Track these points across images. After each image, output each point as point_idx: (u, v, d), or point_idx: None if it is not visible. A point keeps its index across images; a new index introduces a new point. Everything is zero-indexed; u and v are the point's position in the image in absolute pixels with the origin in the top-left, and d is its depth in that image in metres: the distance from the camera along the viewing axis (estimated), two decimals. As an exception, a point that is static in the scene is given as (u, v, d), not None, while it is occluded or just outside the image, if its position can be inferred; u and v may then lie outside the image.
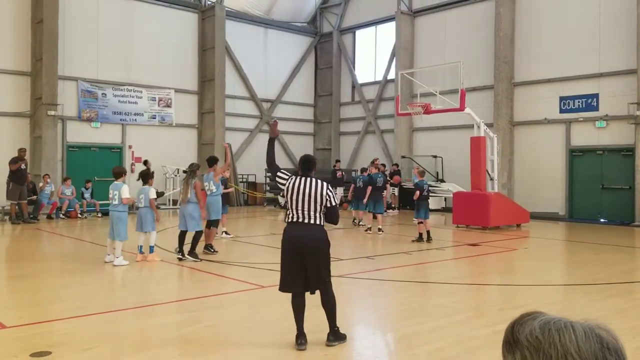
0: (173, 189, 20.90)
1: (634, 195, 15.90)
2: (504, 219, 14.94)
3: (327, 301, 5.15)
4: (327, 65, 26.07)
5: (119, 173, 9.85)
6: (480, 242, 12.33)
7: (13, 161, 15.76)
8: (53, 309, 6.63)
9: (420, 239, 12.13)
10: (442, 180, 20.05)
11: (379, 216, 13.67)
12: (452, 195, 16.00)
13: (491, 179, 15.27)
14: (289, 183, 5.17)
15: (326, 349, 5.08)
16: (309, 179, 5.15)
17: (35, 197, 16.87)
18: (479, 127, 14.99)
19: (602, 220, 16.82)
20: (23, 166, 16.14)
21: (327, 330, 5.19)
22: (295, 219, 5.09)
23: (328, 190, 5.12)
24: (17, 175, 15.73)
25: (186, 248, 9.67)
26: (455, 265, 10.30)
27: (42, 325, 5.80)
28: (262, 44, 24.79)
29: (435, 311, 6.58)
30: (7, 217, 15.96)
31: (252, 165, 23.58)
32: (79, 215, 17.31)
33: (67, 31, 18.95)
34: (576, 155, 17.60)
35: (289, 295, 5.25)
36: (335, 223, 5.34)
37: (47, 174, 17.46)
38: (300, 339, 5.04)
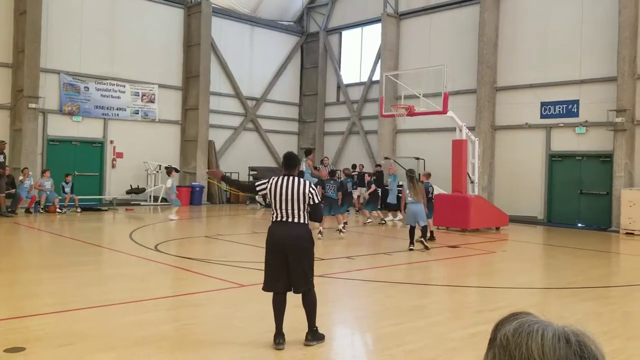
0: (154, 185, 20.76)
1: (611, 201, 16.17)
2: (484, 222, 15.10)
3: (309, 301, 5.18)
4: (313, 64, 26.08)
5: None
6: (459, 244, 12.44)
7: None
8: (28, 304, 6.56)
9: (431, 237, 12.38)
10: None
11: (340, 216, 13.52)
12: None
13: (472, 182, 15.42)
14: (271, 184, 5.19)
15: (304, 348, 5.10)
16: (291, 178, 5.17)
17: (13, 190, 16.64)
18: (461, 130, 15.12)
19: (579, 225, 17.08)
20: (1, 159, 15.91)
21: (306, 330, 5.21)
22: (279, 218, 5.12)
23: (310, 189, 5.16)
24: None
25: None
26: (435, 266, 10.38)
27: (17, 321, 5.73)
28: (248, 42, 24.72)
29: (413, 312, 6.64)
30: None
31: (235, 163, 23.52)
32: (58, 210, 17.09)
33: (51, 23, 18.72)
34: (556, 161, 17.85)
35: (269, 295, 5.26)
36: (319, 221, 5.45)
37: (26, 168, 17.24)
38: (279, 339, 5.05)
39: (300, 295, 5.22)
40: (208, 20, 22.19)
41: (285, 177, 5.18)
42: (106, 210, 18.38)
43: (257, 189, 5.35)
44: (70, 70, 19.51)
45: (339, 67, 25.47)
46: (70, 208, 17.67)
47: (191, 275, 8.52)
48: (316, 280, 8.15)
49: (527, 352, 1.01)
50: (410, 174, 11.44)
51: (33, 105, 18.00)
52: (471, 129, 16.86)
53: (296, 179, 5.18)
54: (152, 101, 21.52)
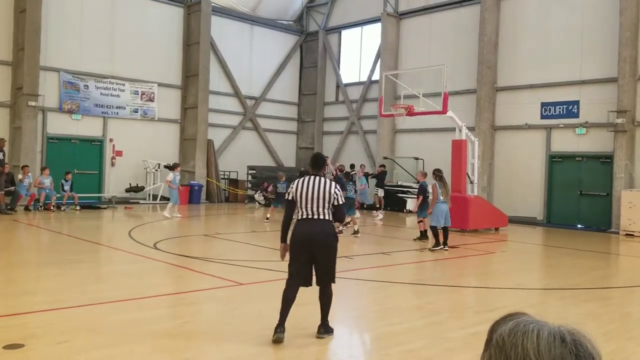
0: (153, 183, 20.75)
1: (611, 202, 16.17)
2: (483, 222, 15.09)
3: (327, 295, 5.36)
4: (312, 64, 26.06)
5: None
6: (458, 245, 12.42)
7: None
8: (27, 301, 6.55)
9: (423, 236, 12.46)
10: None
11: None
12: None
13: (471, 182, 15.41)
14: (297, 184, 5.39)
15: (302, 346, 5.10)
16: (317, 177, 5.37)
17: (13, 188, 16.62)
18: (460, 130, 15.11)
19: (579, 226, 17.08)
20: (1, 156, 15.88)
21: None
22: (305, 216, 5.30)
23: (336, 189, 5.34)
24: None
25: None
26: (433, 266, 10.37)
27: (16, 318, 5.72)
28: (247, 41, 24.70)
29: (411, 312, 6.63)
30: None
31: (234, 162, 23.52)
32: (53, 207, 17.03)
33: (50, 21, 18.69)
34: (555, 161, 17.85)
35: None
36: (342, 221, 5.59)
37: (26, 165, 17.22)
38: (280, 328, 5.14)
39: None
40: (207, 19, 22.17)
41: (312, 177, 5.38)
42: (105, 208, 18.36)
43: (289, 198, 5.45)
44: (70, 68, 19.48)
45: (339, 67, 25.46)
46: (70, 206, 17.65)
47: (190, 273, 8.51)
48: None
49: (522, 351, 1.01)
50: (438, 173, 11.64)
51: (33, 103, 17.97)
52: (471, 129, 16.86)
53: (322, 179, 5.38)
54: (151, 100, 21.51)
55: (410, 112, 15.03)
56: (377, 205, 19.60)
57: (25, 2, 17.82)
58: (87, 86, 19.88)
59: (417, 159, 20.84)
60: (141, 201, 20.55)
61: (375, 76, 23.14)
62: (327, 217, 5.29)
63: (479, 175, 16.32)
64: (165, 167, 21.05)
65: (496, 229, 15.51)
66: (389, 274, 9.19)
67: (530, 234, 15.60)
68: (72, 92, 19.59)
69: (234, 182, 23.46)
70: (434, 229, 11.37)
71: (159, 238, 11.76)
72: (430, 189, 11.69)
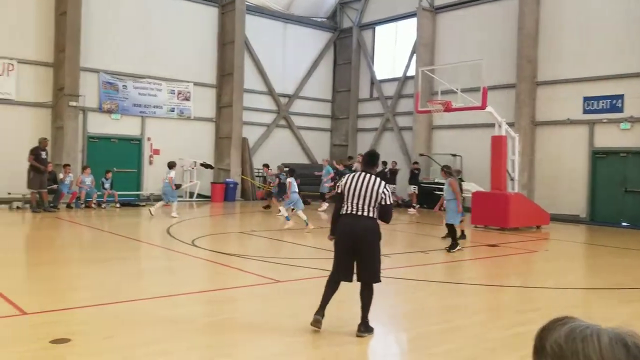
0: (190, 181, 21.04)
1: (657, 199, 15.60)
2: (524, 220, 14.74)
3: (368, 293, 5.33)
4: (346, 61, 25.96)
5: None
6: (498, 243, 12.18)
7: (33, 151, 15.95)
8: (72, 297, 6.70)
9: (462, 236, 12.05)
10: (461, 180, 19.82)
11: None
12: (471, 194, 15.85)
13: (511, 179, 15.09)
14: (347, 179, 5.41)
15: (342, 344, 5.06)
16: (367, 175, 5.37)
17: (55, 186, 17.07)
18: (500, 126, 14.80)
19: (624, 224, 16.53)
20: (44, 156, 16.33)
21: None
22: (349, 211, 5.29)
23: (385, 189, 5.31)
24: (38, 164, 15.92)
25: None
26: (473, 265, 10.19)
27: (62, 313, 5.84)
28: (281, 39, 24.77)
29: (451, 311, 6.51)
30: (28, 206, 16.16)
31: (268, 159, 23.56)
32: (93, 205, 17.43)
33: (90, 23, 19.12)
34: (599, 157, 17.30)
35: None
36: (387, 222, 5.50)
37: (68, 164, 17.67)
38: (320, 312, 5.20)
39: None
40: (242, 18, 22.31)
41: (362, 174, 5.38)
42: (144, 205, 18.69)
43: (337, 192, 5.49)
44: (109, 69, 19.90)
45: (373, 63, 25.28)
46: (110, 203, 18.04)
47: (228, 270, 8.57)
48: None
49: (585, 359, 0.96)
50: (450, 170, 11.43)
51: (73, 104, 18.43)
52: (510, 124, 16.48)
53: (373, 177, 5.36)
54: (187, 99, 21.80)
55: (447, 108, 14.79)
56: (413, 203, 19.47)
57: (66, 5, 18.26)
58: (126, 86, 20.27)
59: (454, 155, 20.52)
60: (178, 199, 20.82)
61: (411, 72, 22.89)
62: (371, 215, 5.26)
63: (519, 172, 15.95)
64: (202, 165, 21.35)
65: (537, 227, 15.14)
66: (427, 272, 9.06)
67: (573, 232, 15.19)
68: (111, 93, 20.01)
69: (266, 180, 23.53)
70: (453, 228, 10.92)
71: (196, 235, 11.90)
72: (449, 186, 11.06)
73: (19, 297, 6.29)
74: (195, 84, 21.97)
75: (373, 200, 5.24)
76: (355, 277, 5.39)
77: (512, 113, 18.48)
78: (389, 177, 19.83)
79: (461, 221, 12.07)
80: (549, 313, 6.08)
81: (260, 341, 5.08)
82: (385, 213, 5.36)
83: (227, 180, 21.76)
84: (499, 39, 19.71)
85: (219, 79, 22.64)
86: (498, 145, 14.75)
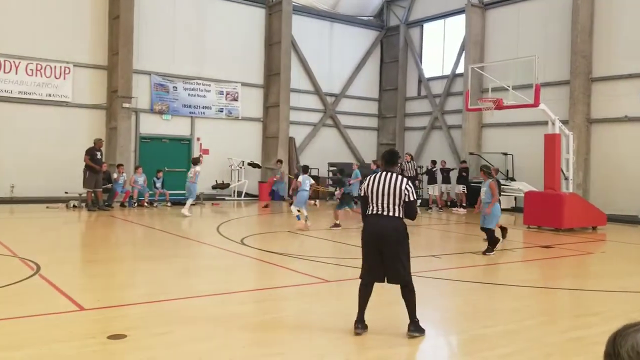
0: (238, 180, 21.34)
1: None
2: (579, 221, 14.26)
3: (408, 293, 5.25)
4: (393, 59, 25.75)
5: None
6: (553, 244, 11.81)
7: (89, 151, 16.50)
8: (127, 293, 6.88)
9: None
10: (513, 179, 19.40)
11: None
12: (523, 194, 15.44)
13: (566, 179, 14.62)
14: (369, 180, 5.35)
15: (394, 346, 5.00)
16: (389, 173, 5.30)
17: (110, 185, 17.63)
18: (553, 124, 14.36)
19: (686, 225, 15.75)
20: (99, 155, 16.90)
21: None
22: (375, 211, 5.24)
23: (407, 185, 5.23)
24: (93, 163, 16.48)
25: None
26: (526, 267, 9.91)
27: (118, 309, 6.02)
28: (327, 38, 24.80)
29: (505, 314, 6.34)
30: (83, 204, 16.75)
31: (315, 159, 23.67)
32: (146, 204, 17.92)
33: (142, 26, 19.65)
34: (659, 155, 16.56)
35: (354, 290, 5.26)
36: (413, 218, 5.39)
37: (121, 164, 18.22)
38: (359, 324, 5.14)
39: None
40: (288, 19, 22.46)
41: (384, 173, 5.32)
42: (194, 204, 19.04)
43: (361, 194, 5.44)
44: (160, 71, 20.41)
45: (420, 61, 24.98)
46: (161, 202, 18.49)
47: (277, 269, 8.62)
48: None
49: None
50: (489, 170, 10.73)
51: (127, 105, 18.99)
52: (564, 122, 15.96)
53: (394, 175, 5.29)
54: (235, 99, 22.11)
55: (499, 106, 14.46)
56: (462, 203, 19.15)
57: (119, 9, 18.84)
58: (176, 87, 20.74)
59: (505, 154, 20.05)
60: (227, 197, 21.19)
61: (460, 69, 22.52)
62: (397, 214, 5.19)
63: (573, 171, 15.43)
64: (249, 164, 21.62)
65: (594, 228, 14.61)
66: (479, 274, 8.87)
67: (632, 233, 14.56)
68: (162, 94, 20.52)
69: (315, 179, 23.50)
70: (491, 232, 10.21)
71: (245, 234, 12.04)
72: (489, 189, 10.33)
73: (77, 293, 6.51)
74: (243, 84, 22.26)
75: (397, 199, 5.17)
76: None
77: (566, 110, 17.91)
78: (444, 176, 19.65)
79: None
80: (608, 318, 5.81)
81: (310, 341, 5.07)
82: (409, 210, 5.27)
83: (275, 179, 21.94)
84: (552, 35, 19.12)
85: (266, 79, 22.86)
86: (552, 143, 14.32)
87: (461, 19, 22.27)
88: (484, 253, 10.05)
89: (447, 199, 20.45)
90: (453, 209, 19.36)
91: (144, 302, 6.27)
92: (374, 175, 5.36)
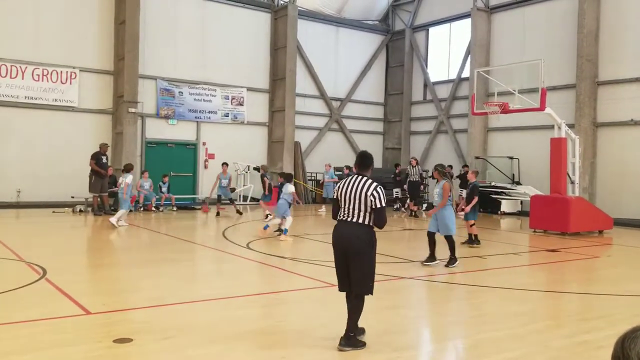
0: (243, 185, 21.37)
1: None
2: (585, 225, 14.20)
3: (356, 305, 5.00)
4: (399, 63, 25.78)
5: (130, 167, 14.03)
6: (559, 248, 11.77)
7: (94, 156, 16.56)
8: (133, 297, 6.90)
9: (473, 241, 11.52)
10: (518, 183, 19.34)
11: None
12: (529, 198, 15.39)
13: (572, 183, 14.57)
14: (341, 183, 5.20)
15: (398, 350, 4.98)
16: (359, 177, 5.09)
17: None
18: (559, 127, 14.33)
19: (694, 229, 15.65)
20: (104, 160, 16.97)
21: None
22: (342, 217, 5.07)
23: (374, 191, 4.95)
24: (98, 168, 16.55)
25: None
26: (532, 271, 9.88)
27: (123, 313, 6.03)
28: (333, 43, 24.86)
29: (511, 318, 6.31)
30: (89, 209, 16.81)
31: (320, 163, 23.64)
32: (154, 209, 18.00)
33: (148, 32, 19.76)
34: (666, 159, 16.47)
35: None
36: (380, 227, 5.04)
37: (146, 170, 18.28)
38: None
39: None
40: (294, 23, 22.53)
41: (355, 177, 5.13)
42: (200, 208, 19.11)
43: (334, 197, 5.28)
44: (166, 76, 20.50)
45: (426, 65, 24.98)
46: (167, 207, 18.54)
47: (283, 273, 8.63)
48: (407, 283, 8.05)
49: None
50: (444, 169, 9.86)
51: (133, 110, 19.07)
52: (570, 126, 15.92)
53: (364, 179, 5.06)
54: (240, 104, 22.17)
55: (505, 110, 14.44)
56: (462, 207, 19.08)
57: (125, 14, 18.94)
58: (182, 92, 20.83)
59: (511, 158, 20.01)
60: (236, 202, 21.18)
61: (465, 73, 22.51)
62: (362, 220, 4.94)
63: (579, 175, 15.38)
64: (255, 169, 21.64)
65: (600, 232, 14.54)
66: (484, 278, 8.83)
67: (638, 237, 14.47)
68: (168, 99, 20.60)
69: (321, 184, 23.62)
70: (451, 239, 9.40)
71: (251, 238, 12.06)
72: (441, 189, 9.50)
73: (83, 297, 6.53)
74: (249, 89, 22.32)
75: (362, 205, 4.92)
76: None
77: (572, 114, 17.86)
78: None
79: (472, 225, 11.51)
80: (615, 321, 5.78)
81: (316, 345, 5.06)
82: (377, 217, 4.97)
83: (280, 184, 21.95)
84: (558, 38, 19.09)
85: (272, 83, 22.92)
86: (558, 147, 14.28)
87: (467, 23, 22.28)
88: (446, 265, 9.21)
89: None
90: (458, 213, 19.29)
91: (149, 306, 6.29)
92: (346, 178, 5.17)
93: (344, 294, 5.15)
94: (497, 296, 7.53)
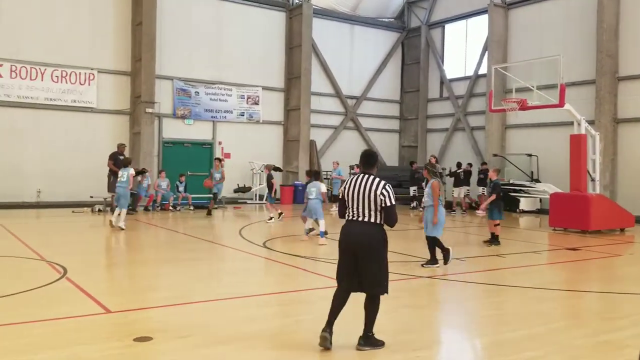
0: (259, 184, 21.41)
1: None
2: (606, 223, 13.99)
3: (373, 306, 4.96)
4: (415, 60, 25.62)
5: (129, 161, 13.98)
6: (579, 247, 11.61)
7: (112, 156, 16.71)
8: (152, 296, 6.94)
9: (495, 240, 11.32)
10: (537, 180, 19.11)
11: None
12: (548, 196, 15.20)
13: (592, 180, 14.37)
14: (347, 183, 5.11)
15: (416, 350, 4.94)
16: (366, 176, 5.01)
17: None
18: (579, 124, 14.12)
19: None
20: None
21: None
22: (351, 217, 4.98)
23: (383, 190, 4.89)
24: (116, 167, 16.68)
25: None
26: (552, 270, 9.75)
27: (143, 312, 6.08)
28: (348, 41, 24.79)
29: (531, 317, 6.23)
30: (108, 208, 16.96)
31: (336, 161, 23.63)
32: (171, 208, 18.13)
33: (164, 32, 19.88)
34: (689, 155, 16.16)
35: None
36: (391, 225, 4.99)
37: (145, 169, 18.42)
38: (327, 329, 4.84)
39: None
40: (309, 22, 22.52)
41: (361, 176, 5.04)
42: (216, 208, 19.17)
43: (340, 197, 5.16)
44: (182, 76, 20.61)
45: (442, 62, 24.79)
46: (184, 206, 18.66)
47: (299, 272, 8.62)
48: (425, 282, 7.99)
49: None
50: (433, 168, 9.58)
51: (150, 110, 19.23)
52: (590, 122, 15.68)
53: (371, 177, 5.00)
54: (256, 103, 22.22)
55: (523, 107, 14.27)
56: (481, 205, 18.93)
57: (141, 16, 19.09)
58: (198, 92, 20.94)
59: (530, 155, 19.77)
60: (248, 201, 21.29)
61: (482, 70, 22.30)
62: (373, 219, 4.88)
63: (600, 172, 15.15)
64: (274, 169, 21.65)
65: (621, 230, 14.31)
66: (504, 276, 8.74)
67: (661, 236, 14.23)
68: (184, 99, 20.72)
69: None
70: (437, 242, 9.03)
71: (267, 237, 12.08)
72: (430, 189, 9.07)
73: (103, 296, 6.59)
74: (264, 88, 22.36)
75: (372, 203, 4.86)
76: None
77: (592, 110, 17.59)
78: (462, 178, 19.41)
79: (497, 224, 11.24)
80: (638, 321, 5.65)
81: (334, 344, 5.03)
82: (388, 215, 4.90)
83: (296, 182, 21.98)
84: (577, 34, 18.82)
85: (287, 82, 22.93)
86: (577, 144, 14.09)
87: (483, 19, 22.06)
88: (423, 265, 8.82)
89: (471, 200, 20.28)
90: (476, 211, 19.14)
91: (168, 304, 6.33)
92: (352, 178, 5.08)
93: (363, 295, 5.07)
94: (517, 295, 7.44)
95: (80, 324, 5.47)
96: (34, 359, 4.51)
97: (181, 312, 6.05)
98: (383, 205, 4.87)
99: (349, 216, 5.00)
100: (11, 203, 17.31)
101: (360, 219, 4.91)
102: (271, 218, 15.10)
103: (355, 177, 5.05)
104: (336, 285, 5.09)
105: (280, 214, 15.44)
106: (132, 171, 13.30)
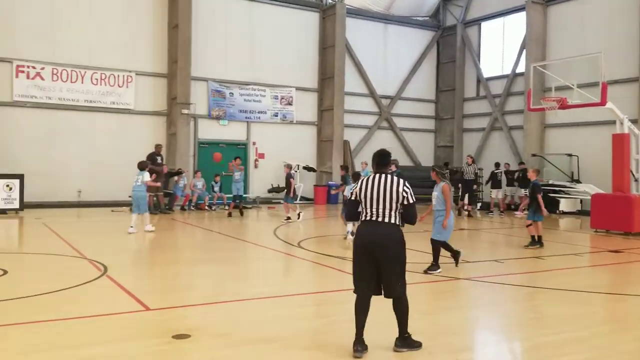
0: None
1: None
2: (651, 224, 13.54)
3: (401, 307, 4.88)
4: (450, 59, 25.31)
5: (145, 165, 13.07)
6: (622, 249, 11.27)
7: (150, 157, 17.01)
8: (190, 294, 7.05)
9: (535, 242, 11.02)
10: (578, 181, 18.64)
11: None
12: (589, 197, 14.80)
13: (635, 180, 13.93)
14: (361, 183, 4.97)
15: (453, 352, 4.88)
16: (383, 175, 4.92)
17: (171, 189, 18.16)
18: (622, 123, 13.71)
19: None
20: (159, 160, 17.43)
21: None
22: (368, 218, 4.85)
23: (404, 187, 4.86)
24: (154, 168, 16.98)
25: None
26: (595, 272, 9.49)
27: (182, 310, 6.17)
28: (382, 40, 24.66)
29: (573, 321, 6.08)
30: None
31: (370, 162, 23.53)
32: (206, 207, 18.39)
33: (199, 34, 20.15)
34: None
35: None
36: (413, 223, 4.97)
37: (181, 169, 18.72)
38: (357, 346, 4.70)
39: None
40: (342, 22, 22.50)
41: (377, 175, 4.94)
42: (250, 208, 19.36)
43: (352, 199, 5.06)
44: (217, 77, 20.86)
45: (479, 60, 24.43)
46: (219, 205, 18.88)
47: (334, 272, 8.61)
48: (462, 283, 7.87)
49: None
50: (443, 170, 9.04)
51: (186, 111, 19.53)
52: (633, 121, 15.21)
53: (389, 176, 4.90)
54: (290, 104, 22.32)
55: (563, 105, 13.93)
56: (522, 206, 18.55)
57: (177, 19, 19.41)
58: (232, 93, 21.15)
59: (570, 155, 19.29)
60: (282, 201, 21.34)
61: (520, 68, 21.87)
62: (393, 220, 4.80)
63: (644, 172, 14.68)
64: (304, 168, 21.74)
65: (666, 232, 13.84)
66: (544, 279, 8.55)
67: None
68: (219, 100, 20.97)
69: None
70: (445, 246, 8.70)
71: (302, 237, 12.11)
72: (440, 191, 8.61)
73: (142, 294, 6.71)
74: (297, 88, 22.44)
75: (394, 203, 4.78)
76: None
77: (636, 109, 17.08)
78: (499, 179, 19.13)
79: (529, 224, 10.87)
80: None
81: (370, 345, 4.98)
82: (408, 214, 4.88)
83: (330, 183, 21.98)
84: (618, 30, 18.28)
85: (320, 82, 22.96)
86: (620, 144, 13.68)
87: (521, 16, 21.65)
88: (425, 271, 8.33)
89: (510, 202, 19.95)
90: (515, 212, 18.79)
91: (205, 303, 6.41)
92: (366, 178, 4.95)
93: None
94: (557, 298, 7.26)
95: (120, 321, 5.59)
96: (77, 354, 4.62)
97: (218, 311, 6.11)
98: (405, 202, 4.82)
99: (366, 217, 4.88)
100: (53, 202, 17.82)
101: (380, 219, 4.81)
102: (288, 218, 15.12)
103: (371, 177, 4.95)
104: (355, 293, 4.90)
105: (299, 214, 15.43)
106: (146, 175, 12.59)
